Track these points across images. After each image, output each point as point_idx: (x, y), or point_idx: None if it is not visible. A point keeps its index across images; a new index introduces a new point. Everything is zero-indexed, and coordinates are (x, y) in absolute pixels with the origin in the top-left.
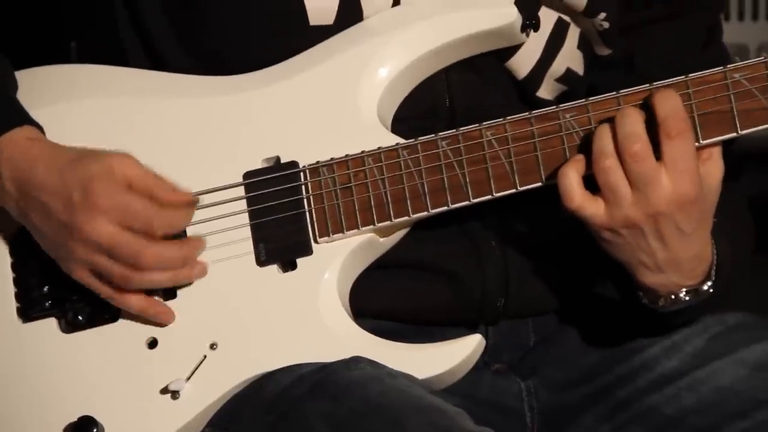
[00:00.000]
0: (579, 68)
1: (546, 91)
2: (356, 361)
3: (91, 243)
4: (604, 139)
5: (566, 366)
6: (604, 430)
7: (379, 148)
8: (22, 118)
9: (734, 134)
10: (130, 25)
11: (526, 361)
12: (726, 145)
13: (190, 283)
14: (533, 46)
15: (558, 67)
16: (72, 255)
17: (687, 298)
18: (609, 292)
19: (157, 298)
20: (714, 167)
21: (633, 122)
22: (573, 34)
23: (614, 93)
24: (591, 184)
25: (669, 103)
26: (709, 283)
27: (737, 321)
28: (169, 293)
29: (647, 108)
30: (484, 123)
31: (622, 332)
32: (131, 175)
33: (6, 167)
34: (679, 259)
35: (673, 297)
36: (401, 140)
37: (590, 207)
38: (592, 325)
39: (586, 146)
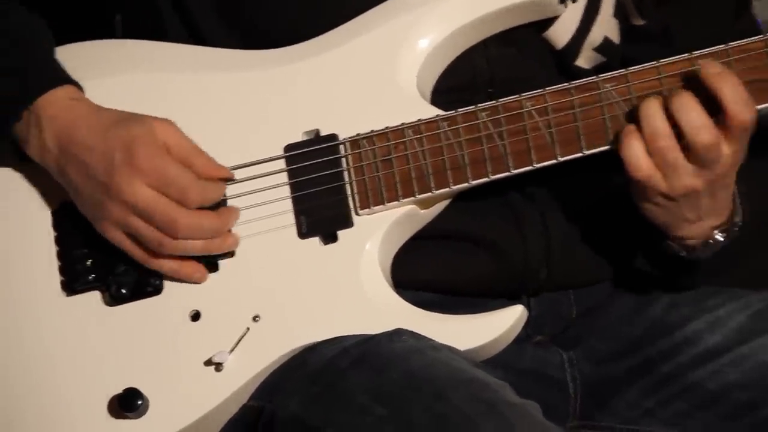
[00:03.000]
0: (615, 37)
1: (584, 60)
2: (399, 333)
3: (128, 204)
4: (655, 118)
5: (609, 338)
6: (647, 404)
7: (418, 120)
8: (63, 77)
9: None
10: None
11: (568, 333)
12: None
13: (228, 254)
14: (570, 16)
15: (595, 36)
16: (108, 215)
17: (721, 238)
18: (647, 264)
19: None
20: None
21: (696, 112)
22: (608, 2)
23: (654, 62)
24: None
25: (730, 85)
26: (738, 217)
27: None
28: (212, 266)
29: (694, 80)
30: (524, 94)
31: (664, 305)
32: (171, 141)
33: (49, 126)
34: (720, 205)
35: (710, 242)
36: (441, 112)
37: (656, 176)
38: (633, 297)
39: (628, 117)
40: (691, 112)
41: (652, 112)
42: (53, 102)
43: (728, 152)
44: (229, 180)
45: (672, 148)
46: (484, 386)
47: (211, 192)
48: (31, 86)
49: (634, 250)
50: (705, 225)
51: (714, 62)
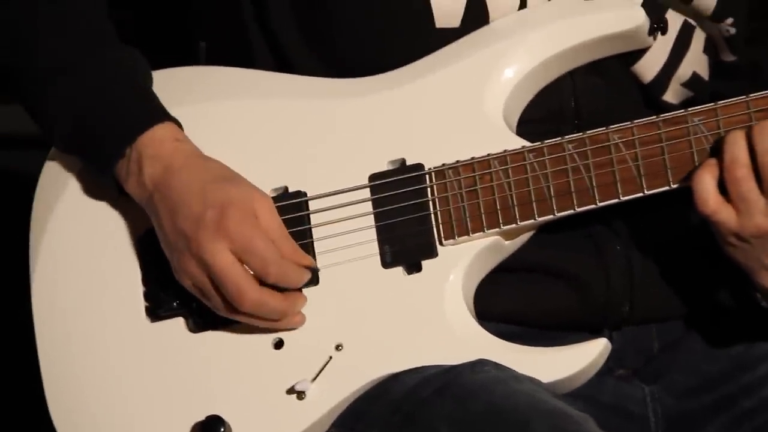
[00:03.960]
0: (704, 73)
1: (671, 95)
2: (482, 363)
3: (204, 263)
4: (737, 147)
5: (691, 373)
6: None
7: (504, 151)
8: (163, 113)
9: None
10: (258, 26)
11: (650, 367)
12: None
13: (312, 283)
14: (659, 50)
15: (684, 71)
16: (183, 266)
17: None
18: (732, 298)
19: None
20: None
21: None
22: (698, 37)
23: (743, 97)
24: (721, 188)
25: None
26: None
27: None
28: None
29: None
30: (611, 126)
31: (747, 340)
32: (264, 217)
33: (149, 164)
34: None
35: None
36: (527, 143)
37: (723, 213)
38: (716, 331)
39: (715, 151)
40: (766, 134)
41: (735, 140)
42: (155, 140)
43: None
44: (313, 269)
45: (747, 179)
46: (567, 418)
47: (292, 273)
48: (133, 124)
49: (719, 288)
50: None
51: None
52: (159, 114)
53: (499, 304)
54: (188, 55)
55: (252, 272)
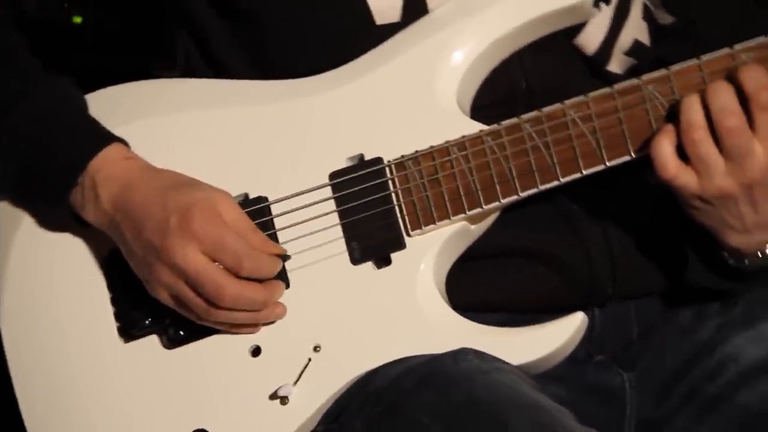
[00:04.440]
0: (645, 39)
1: (616, 65)
2: (464, 353)
3: (178, 269)
4: (691, 110)
5: (663, 361)
6: (702, 429)
7: (463, 136)
8: (109, 135)
9: None
10: (192, 40)
11: (628, 353)
12: None
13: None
14: (600, 20)
15: (626, 39)
16: (157, 277)
17: None
18: (701, 277)
19: None
20: None
21: (725, 96)
22: (637, 3)
23: (696, 60)
24: (681, 153)
25: (757, 77)
26: None
27: None
28: None
29: (732, 80)
30: (567, 101)
31: (714, 326)
32: (228, 214)
33: (104, 187)
34: (766, 219)
35: (759, 255)
36: (484, 127)
37: (684, 176)
38: (688, 317)
39: (672, 116)
40: (720, 96)
41: (690, 104)
42: (106, 162)
43: (760, 153)
44: (285, 257)
45: (705, 140)
46: (544, 412)
47: (266, 263)
48: (81, 150)
49: (688, 259)
50: (752, 238)
51: (752, 65)
52: (105, 137)
53: (484, 293)
54: (167, 53)
55: (226, 268)
